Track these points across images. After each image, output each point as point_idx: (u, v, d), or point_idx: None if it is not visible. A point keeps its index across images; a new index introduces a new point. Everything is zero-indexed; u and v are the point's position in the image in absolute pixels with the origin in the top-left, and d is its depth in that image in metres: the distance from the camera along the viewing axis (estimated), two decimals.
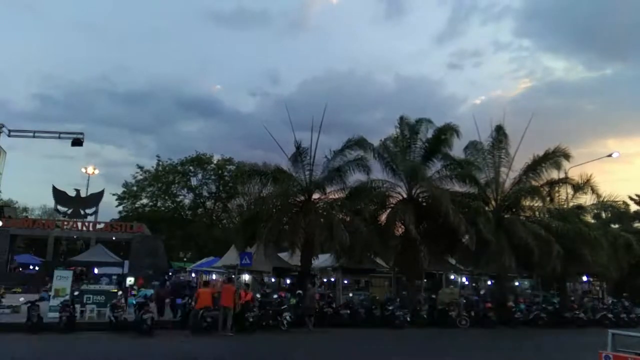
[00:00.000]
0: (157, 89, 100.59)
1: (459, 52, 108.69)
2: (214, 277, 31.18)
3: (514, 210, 21.70)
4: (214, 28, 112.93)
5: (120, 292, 17.42)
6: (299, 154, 19.29)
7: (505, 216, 21.00)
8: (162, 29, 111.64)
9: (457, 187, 21.10)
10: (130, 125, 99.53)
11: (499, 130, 21.85)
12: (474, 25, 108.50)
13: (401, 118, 21.70)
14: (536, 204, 21.51)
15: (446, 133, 20.89)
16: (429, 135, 21.40)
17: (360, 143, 19.89)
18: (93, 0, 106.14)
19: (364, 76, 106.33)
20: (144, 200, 53.59)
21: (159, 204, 53.97)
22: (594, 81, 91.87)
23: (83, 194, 43.44)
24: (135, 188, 52.94)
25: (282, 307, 16.17)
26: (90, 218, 41.92)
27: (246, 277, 22.78)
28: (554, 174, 21.59)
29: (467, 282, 27.57)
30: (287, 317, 15.65)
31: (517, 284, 26.74)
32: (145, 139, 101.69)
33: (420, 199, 20.74)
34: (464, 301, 20.47)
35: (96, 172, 49.05)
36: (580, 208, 23.06)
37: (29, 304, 14.99)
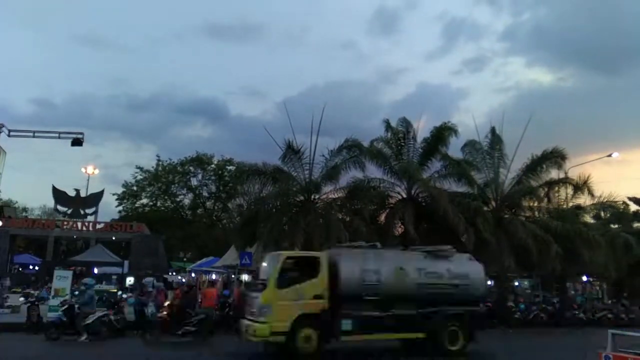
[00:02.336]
0: (157, 95, 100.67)
1: (453, 65, 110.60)
2: (213, 277, 31.20)
3: (513, 210, 21.73)
4: (215, 40, 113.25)
5: (120, 292, 17.47)
6: (294, 153, 19.30)
7: (505, 216, 21.02)
8: (162, 40, 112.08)
9: (457, 187, 21.17)
10: (130, 130, 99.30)
11: (494, 132, 21.95)
12: (463, 41, 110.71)
13: (386, 121, 21.76)
14: (535, 204, 21.55)
15: (444, 133, 20.93)
16: (427, 135, 21.46)
17: (356, 143, 19.99)
18: (94, 12, 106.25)
19: (367, 85, 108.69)
20: (144, 200, 53.62)
21: (158, 204, 53.96)
22: (584, 93, 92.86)
23: (83, 194, 43.44)
24: (135, 188, 52.94)
25: None
26: (90, 218, 41.91)
27: (245, 277, 22.82)
28: (553, 174, 21.69)
29: None
30: None
31: (517, 284, 26.79)
32: (145, 143, 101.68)
33: (419, 199, 20.76)
34: None
35: (96, 172, 49.02)
36: (579, 208, 23.11)
37: (28, 304, 15.04)
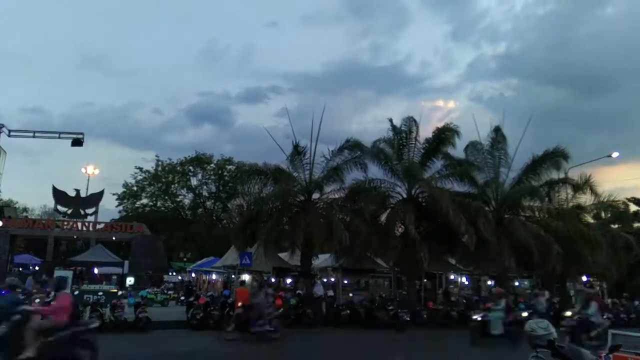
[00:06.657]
0: (156, 103, 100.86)
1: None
2: (214, 277, 31.18)
3: (513, 210, 21.73)
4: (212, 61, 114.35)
5: (120, 292, 17.46)
6: (298, 153, 19.35)
7: (505, 216, 21.03)
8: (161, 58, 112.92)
9: (458, 187, 21.18)
10: (130, 134, 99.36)
11: (498, 132, 21.94)
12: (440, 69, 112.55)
13: (390, 120, 21.81)
14: (536, 204, 21.56)
15: (446, 133, 20.93)
16: (429, 135, 21.47)
17: (357, 143, 20.03)
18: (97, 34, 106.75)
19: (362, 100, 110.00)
20: (144, 200, 53.64)
21: (159, 204, 53.99)
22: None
23: (83, 194, 43.42)
24: (135, 188, 52.95)
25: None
26: (90, 218, 41.89)
27: (246, 278, 22.77)
28: (554, 174, 21.70)
29: (467, 282, 27.60)
30: None
31: (517, 284, 26.74)
32: (144, 150, 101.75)
33: (420, 199, 20.77)
34: (464, 301, 20.47)
35: (96, 172, 48.94)
36: (580, 208, 23.09)
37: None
